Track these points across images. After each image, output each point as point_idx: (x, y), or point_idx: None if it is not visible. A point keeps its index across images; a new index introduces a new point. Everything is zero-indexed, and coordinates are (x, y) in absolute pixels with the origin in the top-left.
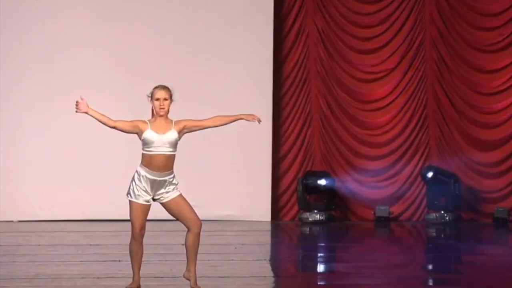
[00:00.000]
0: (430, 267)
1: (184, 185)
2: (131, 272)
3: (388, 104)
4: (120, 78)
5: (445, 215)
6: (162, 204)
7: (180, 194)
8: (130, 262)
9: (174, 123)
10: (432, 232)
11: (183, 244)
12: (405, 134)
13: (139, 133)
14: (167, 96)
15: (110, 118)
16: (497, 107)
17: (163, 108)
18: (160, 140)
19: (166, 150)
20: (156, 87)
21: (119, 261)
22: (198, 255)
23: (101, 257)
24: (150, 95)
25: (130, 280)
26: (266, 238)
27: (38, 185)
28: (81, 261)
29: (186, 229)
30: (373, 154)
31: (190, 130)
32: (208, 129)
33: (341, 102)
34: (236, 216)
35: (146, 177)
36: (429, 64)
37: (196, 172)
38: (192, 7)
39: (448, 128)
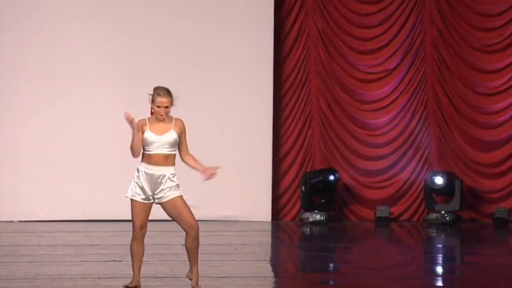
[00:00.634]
0: (430, 267)
1: (184, 185)
2: (132, 272)
3: (388, 104)
4: (120, 78)
5: (446, 215)
6: (161, 204)
7: (180, 196)
8: (130, 262)
9: (175, 122)
10: (433, 233)
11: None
12: (405, 134)
13: (142, 132)
14: (168, 104)
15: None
16: (498, 107)
17: (163, 115)
18: (160, 141)
19: (165, 150)
20: (159, 94)
21: (120, 261)
22: (199, 256)
23: (102, 258)
24: (151, 97)
25: (131, 280)
26: (267, 239)
27: (38, 186)
28: (81, 261)
29: (177, 230)
30: (374, 155)
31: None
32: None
33: (342, 102)
34: (236, 216)
35: (144, 172)
36: (429, 64)
37: (196, 172)
38: (192, 7)
39: (449, 128)
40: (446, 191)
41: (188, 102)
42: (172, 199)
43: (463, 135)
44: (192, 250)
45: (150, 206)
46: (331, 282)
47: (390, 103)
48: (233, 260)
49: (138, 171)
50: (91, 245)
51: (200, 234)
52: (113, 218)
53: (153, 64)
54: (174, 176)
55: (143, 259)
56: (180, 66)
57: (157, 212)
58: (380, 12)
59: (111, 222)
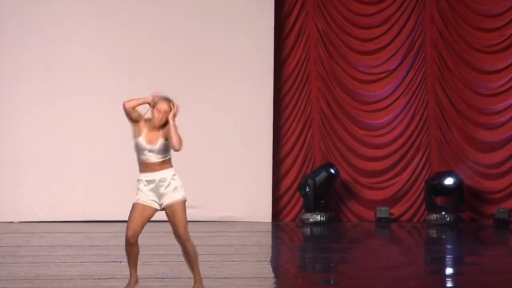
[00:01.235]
0: (430, 268)
1: (185, 186)
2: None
3: (389, 105)
4: (121, 79)
5: (446, 216)
6: (164, 209)
7: (182, 201)
8: None
9: (161, 131)
10: (433, 233)
11: None
12: (406, 135)
13: (135, 131)
14: (168, 110)
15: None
16: (498, 108)
17: (161, 120)
18: (151, 150)
19: (157, 158)
20: (161, 99)
21: (120, 262)
22: (200, 256)
23: (102, 258)
24: (152, 103)
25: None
26: (267, 239)
27: (39, 186)
28: (81, 262)
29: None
30: (374, 155)
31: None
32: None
33: (342, 103)
34: (237, 217)
35: (145, 180)
36: (429, 65)
37: (197, 173)
38: (193, 8)
39: (449, 129)
40: (453, 192)
41: (189, 103)
42: (173, 204)
43: (464, 136)
44: (188, 260)
45: (149, 211)
46: (332, 283)
47: (391, 104)
48: (233, 260)
49: (139, 182)
50: (91, 245)
51: (200, 234)
52: (113, 219)
53: (154, 65)
54: (175, 175)
55: (144, 260)
56: (180, 66)
57: (157, 213)
58: (381, 13)
59: (112, 223)
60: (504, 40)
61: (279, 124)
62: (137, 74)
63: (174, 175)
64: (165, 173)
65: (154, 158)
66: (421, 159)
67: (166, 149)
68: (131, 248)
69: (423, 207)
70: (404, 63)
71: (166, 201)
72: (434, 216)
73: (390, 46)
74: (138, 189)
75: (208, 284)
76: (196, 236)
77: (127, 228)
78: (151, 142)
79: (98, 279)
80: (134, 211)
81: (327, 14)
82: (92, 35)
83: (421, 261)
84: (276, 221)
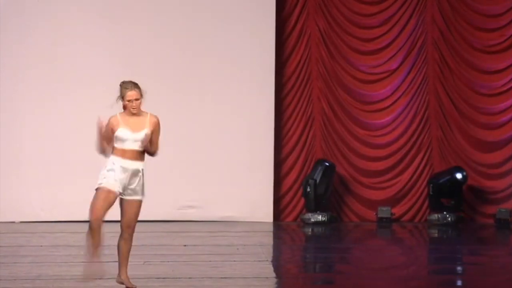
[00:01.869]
0: (432, 268)
1: (186, 186)
2: (134, 273)
3: (390, 105)
4: (122, 78)
5: (447, 216)
6: (122, 199)
7: (140, 201)
8: (133, 262)
9: (149, 118)
10: (434, 233)
11: (185, 245)
12: (407, 135)
13: (112, 132)
14: (138, 96)
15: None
16: (499, 108)
17: (135, 108)
18: (133, 138)
19: (138, 146)
20: (127, 87)
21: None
22: (201, 256)
23: (103, 258)
24: (120, 92)
25: (133, 281)
26: (268, 239)
27: (40, 186)
28: (83, 262)
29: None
30: (375, 155)
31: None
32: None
33: (343, 103)
34: (238, 217)
35: (121, 166)
36: (431, 65)
37: (198, 173)
38: (194, 8)
39: (450, 129)
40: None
41: (190, 103)
42: (133, 199)
43: (465, 135)
44: (124, 252)
45: (115, 198)
46: (333, 283)
47: (392, 104)
48: (234, 260)
49: (112, 163)
50: None
51: (202, 234)
52: (114, 218)
53: (155, 65)
54: (143, 170)
55: (146, 260)
56: (182, 66)
57: (158, 213)
58: (382, 13)
59: (112, 223)
60: (505, 40)
61: (280, 124)
62: (139, 74)
63: (143, 170)
64: (139, 165)
65: (134, 146)
66: (422, 159)
67: (147, 140)
68: (94, 234)
69: (424, 207)
70: (405, 63)
71: (129, 195)
72: (435, 216)
73: (391, 46)
74: (107, 169)
75: (209, 284)
76: (197, 236)
77: (91, 212)
78: (134, 130)
79: (99, 278)
80: (99, 196)
81: (328, 14)
82: (92, 35)
83: (422, 261)
84: (277, 221)
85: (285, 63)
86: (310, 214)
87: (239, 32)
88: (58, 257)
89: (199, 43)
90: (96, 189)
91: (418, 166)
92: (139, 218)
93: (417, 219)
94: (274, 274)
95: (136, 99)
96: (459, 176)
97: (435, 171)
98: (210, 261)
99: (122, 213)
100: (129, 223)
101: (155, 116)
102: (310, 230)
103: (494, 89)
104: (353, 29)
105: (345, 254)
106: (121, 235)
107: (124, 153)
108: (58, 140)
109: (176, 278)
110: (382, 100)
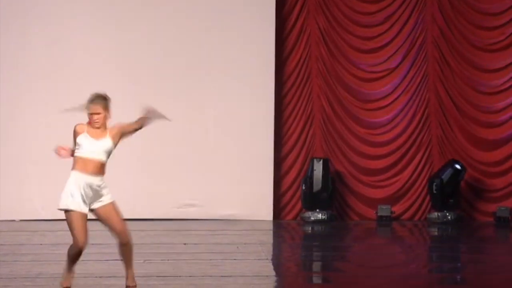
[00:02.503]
0: (431, 266)
1: (186, 184)
2: (134, 271)
3: (390, 103)
4: (122, 79)
5: (447, 214)
6: (94, 210)
7: (112, 202)
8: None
9: (109, 130)
10: (434, 232)
11: (185, 244)
12: (407, 133)
13: (76, 136)
14: (99, 111)
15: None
16: (499, 106)
17: (97, 122)
18: (95, 145)
19: (100, 157)
20: (89, 100)
21: (121, 260)
22: (201, 254)
23: (103, 257)
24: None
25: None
26: (268, 238)
27: (40, 185)
28: (83, 260)
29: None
30: (375, 153)
31: (125, 135)
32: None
33: (343, 101)
34: (238, 215)
35: (85, 182)
36: (431, 63)
37: (198, 171)
38: (193, 7)
39: (450, 127)
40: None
41: (190, 102)
42: (104, 204)
43: (465, 134)
44: (128, 256)
45: (86, 217)
46: (333, 281)
47: (392, 102)
48: (235, 259)
49: (75, 182)
50: (92, 244)
51: (202, 233)
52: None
53: (154, 65)
54: (105, 183)
55: (146, 258)
56: (181, 65)
57: (158, 211)
58: (382, 11)
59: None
60: (505, 38)
61: (280, 123)
62: (139, 74)
63: (104, 183)
64: (101, 180)
65: (96, 155)
66: (422, 157)
67: (109, 151)
68: (77, 258)
69: (424, 205)
70: (405, 61)
71: (100, 202)
72: (435, 215)
73: (391, 45)
74: (72, 189)
75: (210, 282)
76: (197, 235)
77: (76, 238)
78: (96, 137)
79: (99, 277)
80: (75, 220)
81: (328, 12)
82: (93, 36)
83: (422, 260)
84: (278, 219)
85: (285, 61)
86: (310, 213)
87: (239, 30)
88: (59, 255)
89: (198, 42)
90: (66, 212)
91: (418, 164)
92: (139, 217)
93: (417, 218)
94: (274, 273)
95: (98, 113)
96: (458, 166)
97: (435, 169)
98: (210, 259)
99: (105, 222)
100: (120, 226)
101: (113, 126)
102: (310, 228)
103: (494, 87)
104: (353, 28)
105: (345, 253)
106: (119, 243)
107: (86, 167)
108: (58, 140)
109: (177, 276)
110: (382, 98)
